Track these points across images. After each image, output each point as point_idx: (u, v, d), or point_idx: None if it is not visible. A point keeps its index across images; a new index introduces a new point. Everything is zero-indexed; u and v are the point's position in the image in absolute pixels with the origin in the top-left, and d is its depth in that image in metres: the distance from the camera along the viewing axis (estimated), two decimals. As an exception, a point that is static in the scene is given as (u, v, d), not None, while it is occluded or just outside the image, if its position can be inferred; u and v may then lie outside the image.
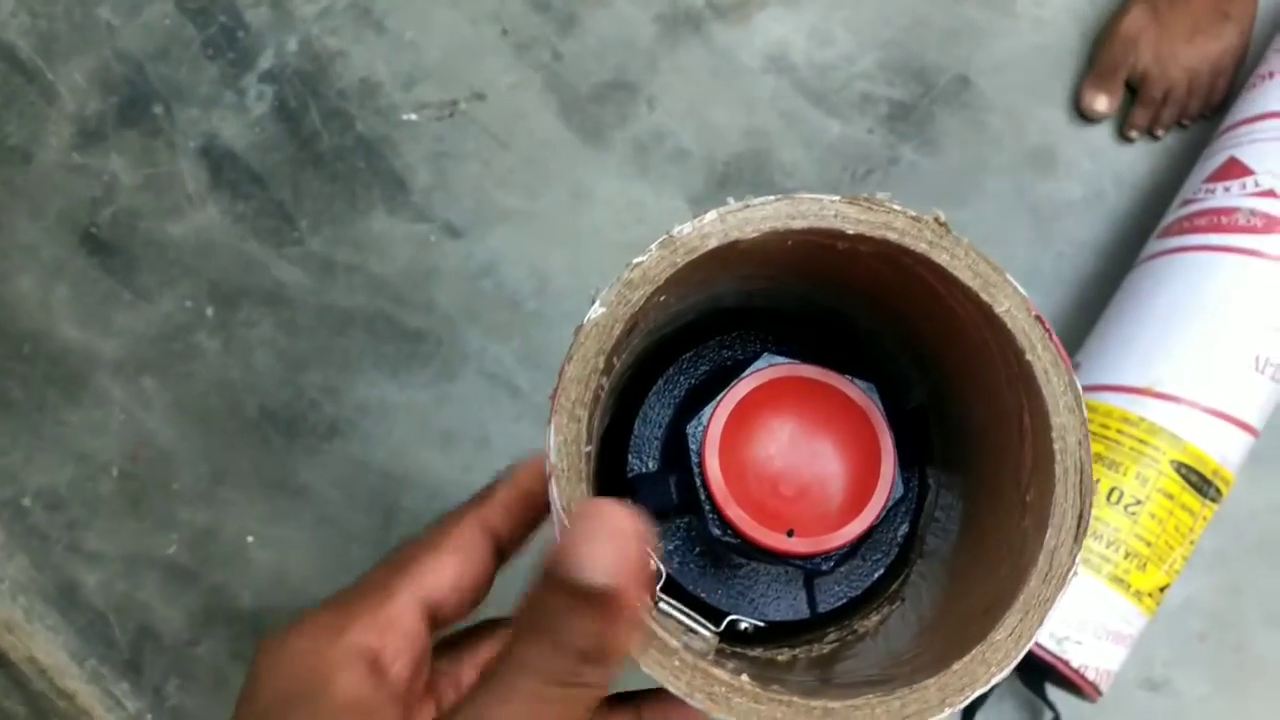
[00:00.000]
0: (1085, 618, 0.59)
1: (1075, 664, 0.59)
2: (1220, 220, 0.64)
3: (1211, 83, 0.74)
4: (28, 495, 0.72)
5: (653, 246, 0.25)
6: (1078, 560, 0.24)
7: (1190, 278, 0.64)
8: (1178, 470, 0.60)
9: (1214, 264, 0.63)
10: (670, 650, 0.23)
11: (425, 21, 0.77)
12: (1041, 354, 0.24)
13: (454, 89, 0.76)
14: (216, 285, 0.74)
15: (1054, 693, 0.65)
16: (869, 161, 0.75)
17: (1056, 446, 0.24)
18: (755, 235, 0.25)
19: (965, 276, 0.25)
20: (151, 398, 0.73)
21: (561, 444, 0.25)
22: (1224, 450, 0.61)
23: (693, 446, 0.29)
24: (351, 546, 0.71)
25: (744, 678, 0.23)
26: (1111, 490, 0.60)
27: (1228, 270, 0.63)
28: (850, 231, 0.25)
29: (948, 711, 0.23)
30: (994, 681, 0.23)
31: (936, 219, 0.25)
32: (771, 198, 0.25)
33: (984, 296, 0.25)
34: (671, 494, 0.31)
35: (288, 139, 0.76)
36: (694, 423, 0.29)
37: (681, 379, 0.33)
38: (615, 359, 0.27)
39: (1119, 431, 0.61)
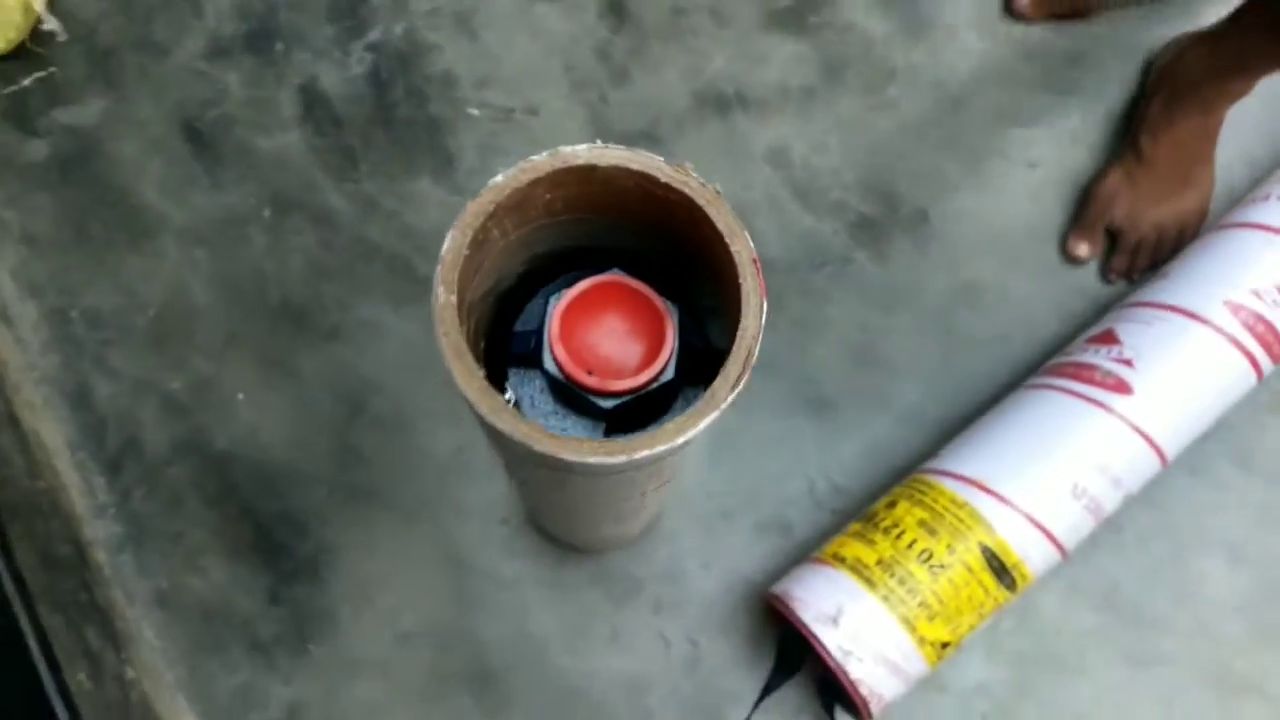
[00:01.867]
0: (869, 641, 0.71)
1: (853, 675, 0.70)
2: (1082, 372, 0.78)
3: (1178, 237, 0.88)
4: (76, 309, 0.87)
5: (544, 154, 0.40)
6: (760, 332, 0.38)
7: (1043, 408, 0.77)
8: (983, 552, 0.73)
9: (1065, 403, 0.77)
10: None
11: (509, 42, 0.94)
12: (749, 271, 0.38)
13: (514, 99, 0.92)
14: (278, 194, 0.89)
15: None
16: (827, 255, 0.89)
17: (745, 288, 0.38)
18: (607, 165, 0.40)
19: (722, 225, 0.39)
20: (199, 265, 0.88)
21: (442, 305, 0.39)
22: (1027, 550, 0.73)
23: (548, 312, 0.44)
24: (317, 427, 0.84)
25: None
26: (924, 550, 0.73)
27: (1074, 411, 0.76)
28: (662, 180, 0.40)
29: (686, 435, 0.37)
30: (718, 410, 0.37)
31: (715, 189, 0.40)
32: (623, 149, 0.40)
33: (729, 239, 0.39)
34: (533, 342, 0.45)
35: (372, 100, 0.92)
36: (554, 298, 0.44)
37: (558, 282, 0.48)
38: (496, 232, 0.41)
39: (945, 508, 0.74)
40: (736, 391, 0.38)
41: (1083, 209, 0.89)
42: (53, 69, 0.91)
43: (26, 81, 0.91)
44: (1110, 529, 0.83)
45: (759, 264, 0.39)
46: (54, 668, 0.70)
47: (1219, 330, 0.76)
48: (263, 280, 0.87)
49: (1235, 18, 0.80)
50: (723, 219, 0.39)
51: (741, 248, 0.39)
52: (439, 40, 0.94)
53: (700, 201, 0.39)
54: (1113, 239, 0.89)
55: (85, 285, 0.87)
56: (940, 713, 0.80)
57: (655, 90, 0.93)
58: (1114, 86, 0.94)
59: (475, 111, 0.92)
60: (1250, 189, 0.87)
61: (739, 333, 0.38)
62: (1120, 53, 0.94)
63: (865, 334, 0.88)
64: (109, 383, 0.85)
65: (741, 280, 0.38)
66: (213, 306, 0.87)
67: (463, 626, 0.81)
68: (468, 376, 0.38)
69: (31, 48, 0.90)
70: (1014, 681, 0.81)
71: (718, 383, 0.38)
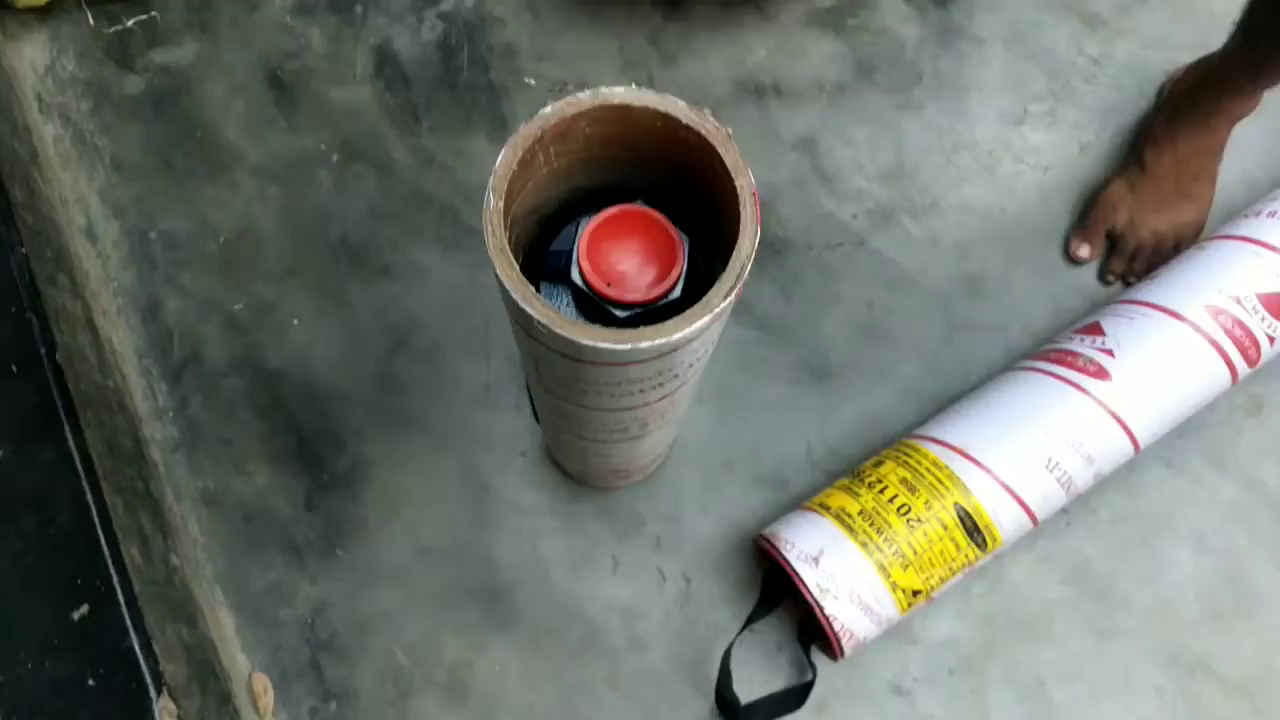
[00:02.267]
0: (846, 582, 0.77)
1: (828, 611, 0.77)
2: (1066, 358, 0.84)
3: (1174, 247, 0.94)
4: (154, 231, 0.96)
5: (587, 92, 0.48)
6: (753, 253, 0.45)
7: (1026, 387, 0.84)
8: (958, 511, 0.79)
9: (1046, 384, 0.83)
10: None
11: (570, 21, 1.02)
12: (748, 201, 0.46)
13: (569, 74, 1.00)
14: (347, 142, 0.98)
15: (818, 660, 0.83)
16: (844, 237, 0.96)
17: (744, 215, 0.45)
18: (639, 106, 0.47)
19: (730, 162, 0.46)
20: (269, 200, 0.96)
21: (492, 211, 0.46)
22: (999, 514, 0.80)
23: (578, 233, 0.51)
24: (362, 354, 0.93)
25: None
26: (904, 505, 0.79)
27: (1054, 391, 0.82)
28: (684, 121, 0.47)
29: (683, 331, 0.44)
30: (710, 313, 0.44)
31: (727, 132, 0.47)
32: (654, 93, 0.47)
33: (734, 174, 0.46)
34: (564, 261, 0.53)
35: (439, 63, 1.01)
36: (583, 221, 0.51)
37: (591, 211, 0.55)
38: (541, 157, 0.49)
39: (926, 469, 0.81)
40: (728, 301, 0.45)
41: (1086, 213, 0.95)
42: (154, 13, 1.00)
43: (130, 23, 1.00)
44: (1085, 510, 0.89)
45: (757, 197, 0.46)
46: (111, 541, 0.78)
47: (1198, 329, 0.82)
48: (325, 218, 0.96)
49: (1229, 42, 0.86)
50: (731, 157, 0.46)
51: (744, 182, 0.46)
52: (505, 14, 1.02)
53: (714, 141, 0.46)
54: (1112, 243, 0.95)
55: (164, 210, 0.96)
56: (911, 662, 0.87)
57: (699, 74, 1.00)
58: (1128, 103, 1.00)
59: (532, 81, 1.00)
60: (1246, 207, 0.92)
61: (735, 251, 0.45)
62: (1135, 73, 1.00)
63: (872, 312, 0.94)
64: (178, 299, 0.94)
65: (742, 209, 0.45)
66: (278, 238, 0.95)
67: (478, 546, 0.89)
68: (507, 268, 0.45)
69: (137, -9, 0.99)
70: (981, 640, 0.87)
71: (713, 291, 0.45)
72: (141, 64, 1.00)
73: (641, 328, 0.45)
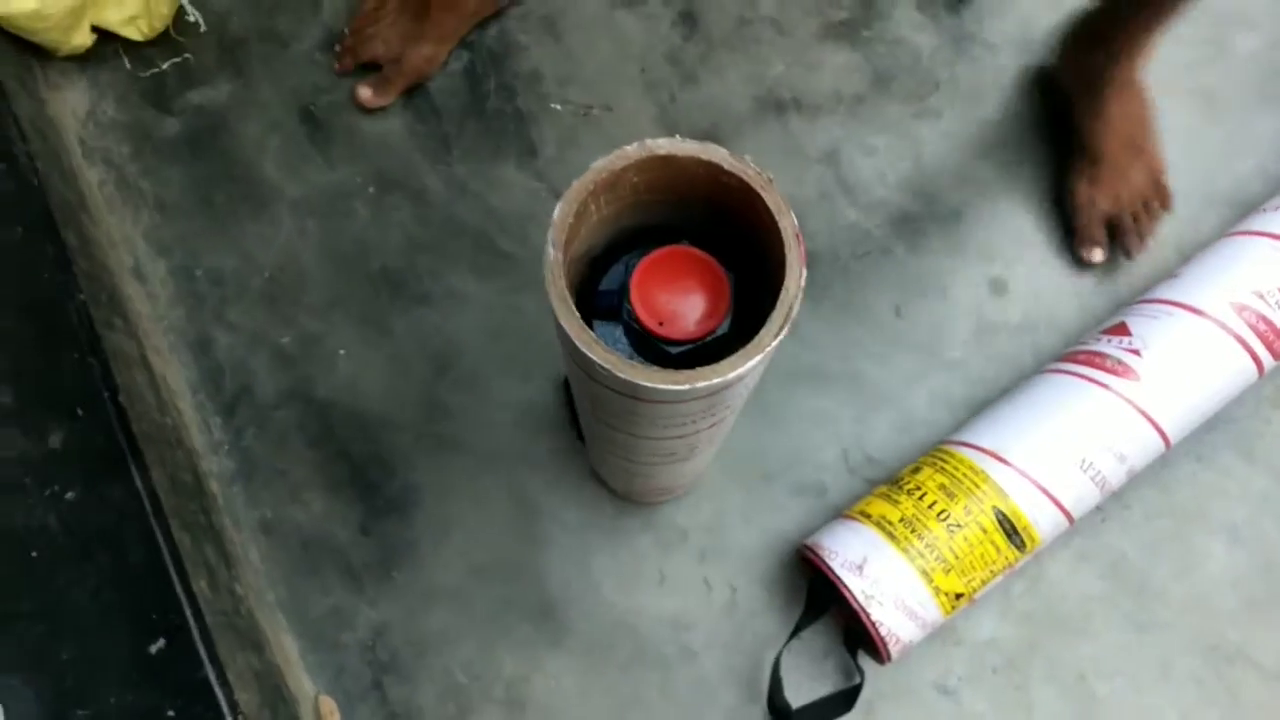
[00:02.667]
0: (890, 588, 0.80)
1: (874, 617, 0.80)
2: (1094, 359, 0.86)
3: (1158, 191, 0.96)
4: (200, 269, 0.99)
5: (634, 145, 0.50)
6: (800, 292, 0.47)
7: (1057, 390, 0.86)
8: (996, 515, 0.82)
9: (1078, 386, 0.85)
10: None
11: (591, 45, 1.04)
12: (793, 243, 0.48)
13: (593, 97, 1.03)
14: (381, 173, 1.00)
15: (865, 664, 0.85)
16: (869, 245, 0.98)
17: (789, 256, 0.47)
18: (683, 155, 0.50)
19: (772, 205, 0.48)
20: (309, 233, 0.99)
21: (552, 261, 0.49)
22: (1036, 515, 0.82)
23: (627, 272, 0.54)
24: (407, 381, 0.95)
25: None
26: (943, 511, 0.82)
27: (1084, 392, 0.84)
28: (726, 168, 0.49)
29: (737, 370, 0.46)
30: (763, 352, 0.47)
31: (768, 177, 0.49)
32: (696, 143, 0.50)
33: (777, 216, 0.48)
34: (615, 300, 0.55)
35: (467, 92, 1.03)
36: (631, 261, 0.54)
37: (636, 252, 0.58)
38: (593, 206, 0.51)
39: (963, 475, 0.83)
40: (778, 339, 0.48)
41: (1075, 221, 0.98)
42: (188, 55, 1.03)
43: (165, 66, 1.03)
44: (1119, 506, 0.92)
45: (800, 238, 0.48)
46: (181, 575, 0.81)
47: (1223, 326, 0.84)
48: (365, 249, 0.98)
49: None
50: (773, 200, 0.49)
51: (787, 224, 0.49)
52: (528, 41, 1.04)
53: (756, 186, 0.49)
54: (1112, 230, 0.97)
55: (208, 248, 0.99)
56: (955, 663, 0.89)
57: (720, 92, 1.03)
58: (1143, 103, 1.01)
59: (558, 107, 1.02)
60: (1263, 202, 0.94)
61: (783, 292, 0.48)
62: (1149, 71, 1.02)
63: (900, 319, 0.97)
64: (227, 335, 0.97)
65: (787, 250, 0.48)
66: (319, 271, 0.98)
67: (528, 564, 0.91)
68: (568, 315, 0.48)
69: (174, 36, 1.02)
70: (1023, 639, 0.90)
71: (764, 330, 0.48)
72: (178, 106, 1.03)
73: (698, 369, 0.47)
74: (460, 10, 1.00)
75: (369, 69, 1.02)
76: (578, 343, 0.47)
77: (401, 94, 1.01)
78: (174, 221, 1.00)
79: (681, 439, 0.60)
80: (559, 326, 0.49)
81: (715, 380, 0.47)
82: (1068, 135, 0.98)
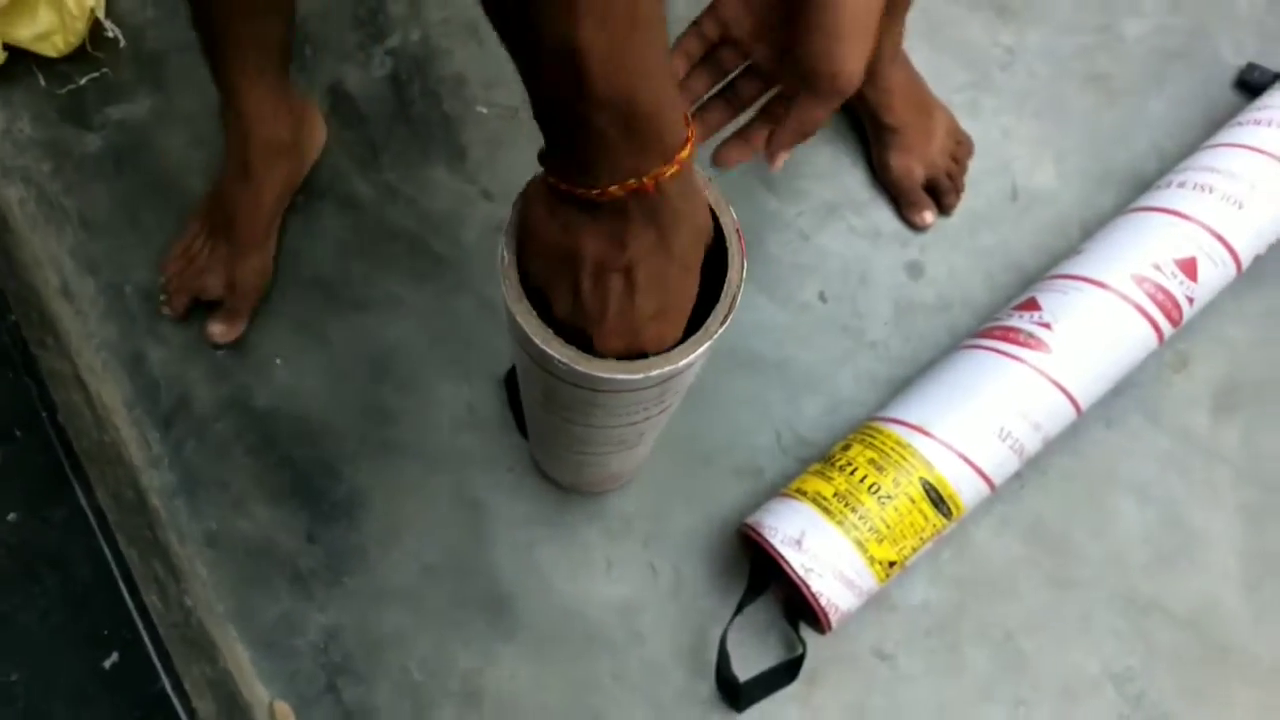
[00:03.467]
0: (827, 560, 0.83)
1: (814, 588, 0.83)
2: (1008, 334, 0.91)
3: (959, 144, 1.04)
4: (129, 284, 0.98)
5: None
6: (742, 283, 0.51)
7: (975, 364, 0.90)
8: (923, 485, 0.86)
9: (993, 360, 0.90)
10: None
11: (514, 48, 1.06)
12: (733, 238, 0.51)
13: (518, 99, 1.05)
14: (310, 182, 1.01)
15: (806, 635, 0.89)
16: (790, 234, 1.02)
17: (730, 249, 0.51)
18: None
19: (712, 201, 0.51)
20: (240, 245, 0.99)
21: (506, 265, 0.51)
22: (960, 484, 0.86)
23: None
24: (347, 387, 0.96)
25: None
26: (873, 484, 0.86)
27: (999, 366, 0.89)
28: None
29: (687, 358, 0.49)
30: (710, 339, 0.50)
31: (709, 178, 0.52)
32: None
33: (717, 212, 0.51)
34: None
35: (392, 98, 1.04)
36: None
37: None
38: None
39: (891, 449, 0.87)
40: (724, 327, 0.51)
41: (899, 193, 1.04)
42: (106, 70, 1.02)
43: (83, 81, 1.02)
44: (1036, 472, 0.97)
45: (740, 233, 0.51)
46: (132, 589, 0.81)
47: (1124, 298, 0.90)
48: (296, 257, 0.99)
49: None
50: (713, 197, 0.52)
51: (727, 220, 0.51)
52: (451, 46, 1.06)
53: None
54: (932, 189, 1.04)
55: (136, 263, 0.99)
56: (890, 628, 0.93)
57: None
58: (1044, 88, 1.07)
59: (484, 110, 1.04)
60: (1158, 179, 1.00)
61: (726, 283, 0.51)
62: (1049, 58, 1.08)
63: (825, 303, 1.01)
64: (160, 348, 0.97)
65: (728, 244, 0.51)
66: (253, 282, 0.98)
67: (478, 560, 0.93)
68: (526, 315, 0.50)
69: (91, 52, 1.01)
70: (954, 601, 0.94)
71: (710, 319, 0.50)
72: (98, 121, 1.02)
73: (651, 358, 0.50)
74: (261, 211, 0.94)
75: (207, 306, 0.97)
76: (536, 340, 0.49)
77: (250, 316, 0.98)
78: (100, 238, 0.99)
79: (633, 425, 0.63)
80: (515, 325, 0.51)
81: (667, 368, 0.50)
82: (857, 117, 1.04)
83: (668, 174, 0.44)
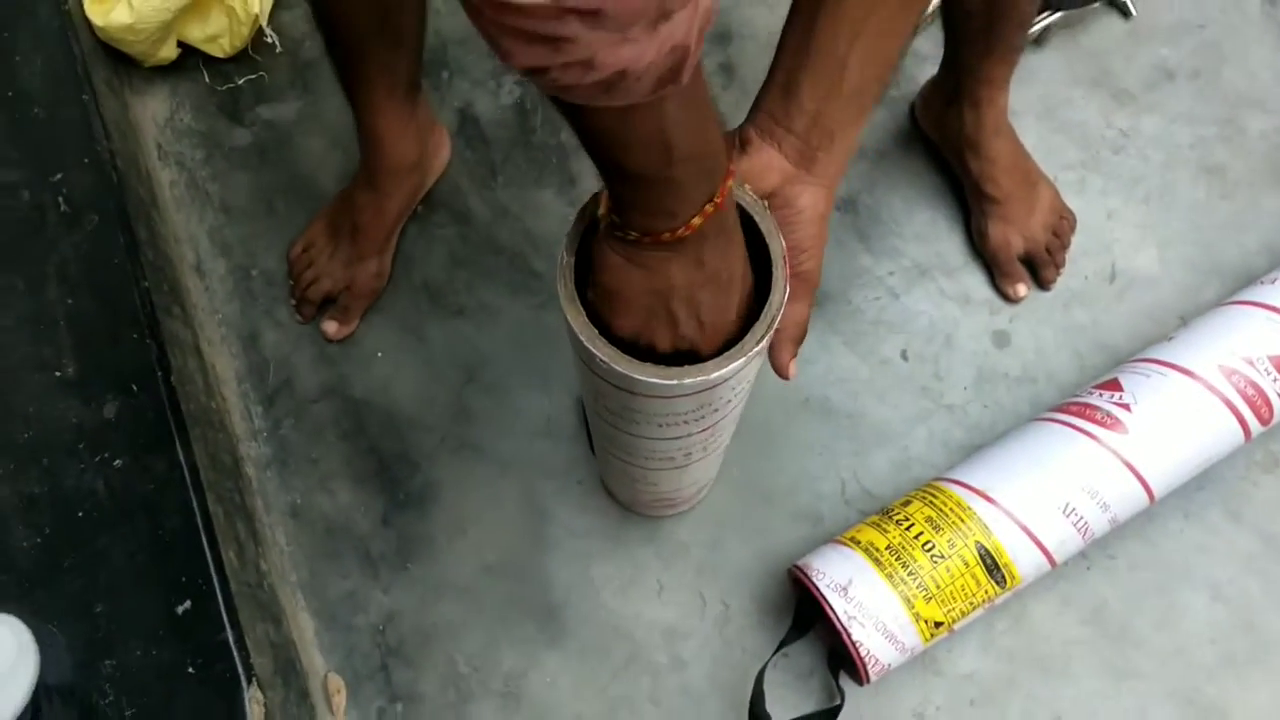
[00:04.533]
0: (872, 611, 0.84)
1: (854, 637, 0.84)
2: (1085, 410, 0.90)
3: (1061, 219, 1.03)
4: (256, 269, 1.06)
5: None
6: (782, 304, 0.53)
7: (1046, 436, 0.90)
8: (979, 549, 0.86)
9: (1064, 434, 0.89)
10: None
11: (634, 87, 1.11)
12: (779, 262, 0.54)
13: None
14: (431, 194, 1.08)
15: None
16: (880, 291, 1.04)
17: (775, 273, 0.53)
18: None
19: (765, 228, 0.54)
20: (358, 244, 1.06)
21: (563, 265, 0.55)
22: (1018, 553, 0.86)
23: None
24: (437, 385, 1.02)
25: None
26: (928, 542, 0.86)
27: (1071, 440, 0.88)
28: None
29: (721, 370, 0.52)
30: (745, 357, 0.52)
31: (764, 204, 0.55)
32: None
33: (767, 238, 0.54)
34: None
35: (516, 125, 1.11)
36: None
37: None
38: None
39: (950, 509, 0.87)
40: (760, 345, 0.53)
41: (995, 264, 1.04)
42: (262, 73, 1.12)
43: (241, 81, 1.12)
44: (1105, 555, 0.95)
45: (787, 259, 0.54)
46: (212, 545, 0.87)
47: (1211, 389, 0.88)
48: (409, 262, 1.05)
49: (947, 48, 0.98)
50: (766, 224, 0.54)
51: (775, 245, 0.54)
52: (575, 80, 1.11)
53: (752, 211, 0.55)
54: (1029, 264, 1.03)
55: (265, 250, 1.07)
56: (934, 693, 0.92)
57: (751, 139, 1.09)
58: (1154, 173, 1.06)
59: (597, 142, 1.09)
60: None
61: (768, 303, 0.53)
62: (1162, 145, 1.07)
63: (906, 361, 1.01)
64: (275, 332, 1.04)
65: (775, 269, 0.54)
66: (365, 278, 1.05)
67: (535, 566, 0.97)
68: (575, 314, 0.53)
69: (251, 55, 1.11)
70: (1003, 675, 0.93)
71: (747, 337, 0.53)
72: (250, 118, 1.11)
73: (685, 366, 0.53)
74: (383, 219, 1.01)
75: (324, 302, 1.04)
76: (581, 337, 0.53)
77: (362, 315, 1.04)
78: (236, 224, 1.08)
79: (675, 440, 0.66)
80: (567, 324, 0.55)
81: (700, 378, 0.53)
82: (960, 184, 1.05)
83: (728, 185, 0.49)
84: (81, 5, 1.03)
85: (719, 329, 0.54)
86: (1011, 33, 0.90)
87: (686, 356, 0.57)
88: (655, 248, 0.50)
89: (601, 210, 0.51)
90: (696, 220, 0.48)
